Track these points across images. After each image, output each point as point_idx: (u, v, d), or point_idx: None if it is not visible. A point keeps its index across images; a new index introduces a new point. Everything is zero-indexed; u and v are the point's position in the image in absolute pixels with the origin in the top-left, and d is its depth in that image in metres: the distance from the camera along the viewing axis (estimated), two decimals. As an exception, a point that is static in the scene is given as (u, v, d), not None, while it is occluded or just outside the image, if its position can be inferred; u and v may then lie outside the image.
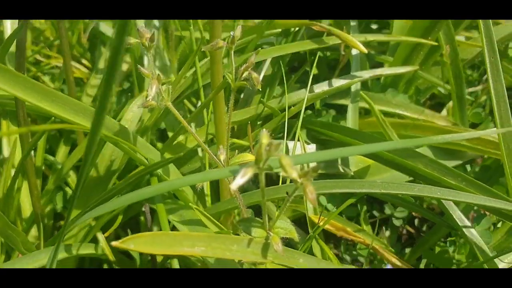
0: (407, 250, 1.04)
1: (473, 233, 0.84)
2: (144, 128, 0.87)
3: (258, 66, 1.02)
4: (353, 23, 1.07)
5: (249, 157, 0.76)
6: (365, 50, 0.86)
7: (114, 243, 0.52)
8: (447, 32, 1.05)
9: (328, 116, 1.07)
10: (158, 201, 0.67)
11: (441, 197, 0.71)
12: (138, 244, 0.52)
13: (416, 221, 1.11)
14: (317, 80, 1.19)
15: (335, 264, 0.73)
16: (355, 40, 0.87)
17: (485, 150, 0.93)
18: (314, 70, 1.23)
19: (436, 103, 1.33)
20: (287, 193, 0.59)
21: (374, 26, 1.34)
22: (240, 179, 0.51)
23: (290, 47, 0.91)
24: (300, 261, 0.69)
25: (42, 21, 1.25)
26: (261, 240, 0.64)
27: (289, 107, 0.91)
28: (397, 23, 1.18)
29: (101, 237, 0.94)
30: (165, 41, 1.12)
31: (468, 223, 0.85)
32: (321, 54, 1.22)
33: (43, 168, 1.05)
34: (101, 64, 1.11)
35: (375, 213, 1.08)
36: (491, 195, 0.75)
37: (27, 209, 1.00)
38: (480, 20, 0.82)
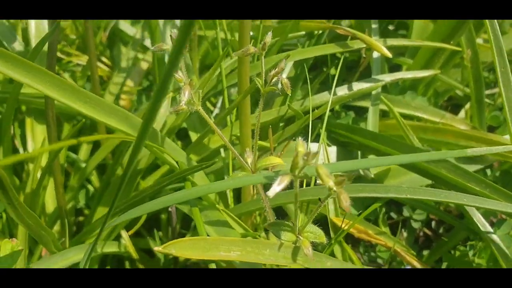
0: (425, 252, 1.05)
1: (494, 238, 0.85)
2: (170, 130, 0.88)
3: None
4: (374, 25, 1.07)
5: (275, 160, 0.77)
6: (389, 55, 0.87)
7: (156, 248, 0.53)
8: (469, 36, 1.05)
9: (348, 118, 1.08)
10: (193, 205, 0.68)
11: (467, 204, 0.72)
12: (179, 249, 0.54)
13: (433, 223, 1.12)
14: (338, 81, 1.20)
15: (358, 267, 0.74)
16: (379, 44, 0.87)
17: (505, 155, 0.94)
18: (333, 71, 1.24)
19: (453, 105, 1.33)
20: (319, 199, 0.60)
21: (391, 27, 1.34)
22: (277, 187, 0.52)
23: (314, 50, 0.92)
24: (328, 264, 0.71)
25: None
26: (290, 244, 0.66)
27: (313, 110, 0.92)
28: (416, 24, 1.18)
29: (125, 235, 0.96)
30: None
31: (489, 227, 0.86)
32: (340, 55, 1.23)
33: (65, 165, 1.06)
34: (123, 63, 1.12)
35: (393, 214, 1.09)
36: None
37: (50, 205, 1.01)
38: (490, 30, 0.82)
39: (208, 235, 0.80)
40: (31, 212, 0.69)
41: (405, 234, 1.08)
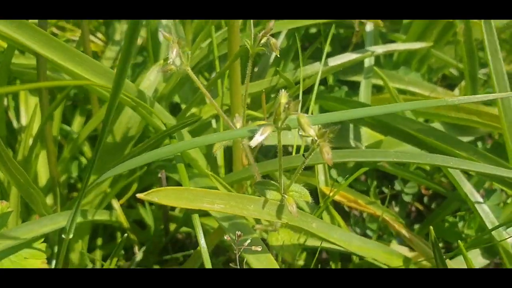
0: (416, 226, 1.05)
1: (484, 208, 0.85)
2: (160, 96, 0.88)
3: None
4: None
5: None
6: (381, 24, 0.87)
7: (139, 195, 0.54)
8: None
9: (341, 91, 1.08)
10: (178, 161, 0.68)
11: (453, 166, 0.72)
12: (162, 197, 0.54)
13: (425, 198, 1.12)
14: (331, 56, 1.20)
15: (345, 230, 0.74)
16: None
17: (494, 126, 0.94)
18: (328, 48, 1.24)
19: (448, 84, 1.33)
20: (303, 155, 0.60)
21: None
22: (260, 137, 0.52)
23: (304, 20, 0.92)
24: (313, 225, 0.71)
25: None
26: (276, 202, 0.66)
27: (303, 80, 0.92)
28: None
29: (116, 203, 0.97)
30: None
31: (479, 198, 0.86)
32: (335, 32, 1.23)
33: (59, 138, 1.07)
34: (117, 37, 1.12)
35: (385, 189, 1.09)
36: (501, 167, 0.76)
37: (43, 177, 1.02)
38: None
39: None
40: (21, 170, 0.70)
41: (397, 209, 1.08)
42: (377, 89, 1.15)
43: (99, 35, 1.27)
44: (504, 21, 1.18)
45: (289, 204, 0.63)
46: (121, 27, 1.14)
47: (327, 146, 0.56)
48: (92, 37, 1.24)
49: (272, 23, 0.69)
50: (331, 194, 0.87)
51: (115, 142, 0.90)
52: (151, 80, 0.88)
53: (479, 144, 1.00)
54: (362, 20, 0.99)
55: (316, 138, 0.53)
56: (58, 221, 0.80)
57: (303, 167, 0.62)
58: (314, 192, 0.96)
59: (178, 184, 0.89)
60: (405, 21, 1.18)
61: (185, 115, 0.91)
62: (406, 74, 1.12)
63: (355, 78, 1.10)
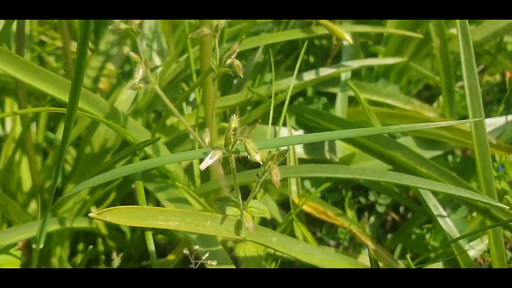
0: (389, 236, 1.08)
1: (447, 221, 0.88)
2: (136, 110, 0.91)
3: (251, 53, 1.06)
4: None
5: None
6: (351, 41, 0.89)
7: (91, 214, 0.57)
8: (437, 24, 1.06)
9: (319, 103, 1.10)
10: (138, 178, 0.71)
11: (410, 184, 0.74)
12: (114, 216, 0.57)
13: (401, 208, 1.15)
14: (313, 67, 1.22)
15: (307, 244, 0.77)
16: (341, 31, 0.90)
17: (465, 142, 0.96)
18: (311, 58, 1.26)
19: (430, 95, 1.35)
20: (257, 175, 0.63)
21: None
22: (209, 160, 0.55)
23: (279, 35, 0.95)
24: (273, 239, 0.74)
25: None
26: (235, 218, 0.69)
27: (277, 94, 0.95)
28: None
29: (95, 211, 1.00)
30: (163, 25, 1.15)
31: (443, 212, 0.88)
32: (318, 43, 1.25)
33: (44, 145, 1.10)
34: (102, 47, 1.15)
35: (362, 199, 1.12)
36: (460, 185, 0.79)
37: (27, 183, 1.05)
38: (458, 22, 0.84)
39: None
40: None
41: (372, 219, 1.10)
42: (356, 100, 1.18)
43: (89, 44, 1.30)
44: (485, 33, 1.20)
45: (245, 220, 0.66)
46: (107, 37, 1.17)
47: (276, 169, 0.59)
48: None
49: (236, 45, 0.72)
50: (301, 205, 0.90)
51: (93, 153, 0.93)
52: (128, 93, 0.91)
53: (450, 157, 1.02)
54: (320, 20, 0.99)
55: (261, 162, 0.55)
56: (33, 229, 0.83)
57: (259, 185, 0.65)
58: (288, 202, 0.99)
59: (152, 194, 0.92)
60: (373, 32, 1.20)
61: (163, 126, 0.94)
62: (385, 86, 1.14)
63: (334, 90, 1.13)
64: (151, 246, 0.64)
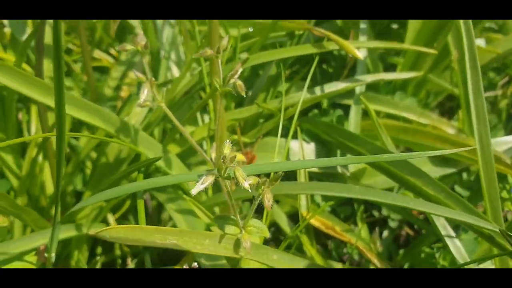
0: (401, 252, 1.07)
1: (456, 242, 0.87)
2: (148, 124, 0.94)
3: (263, 66, 1.07)
4: (363, 25, 1.08)
5: (238, 156, 0.82)
6: (360, 57, 0.89)
7: (91, 232, 0.60)
8: (456, 36, 1.04)
9: (332, 116, 1.10)
10: (139, 197, 0.74)
11: (412, 207, 0.74)
12: (113, 235, 0.60)
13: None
14: (331, 76, 1.22)
15: (309, 261, 0.78)
16: (351, 46, 0.89)
17: (475, 159, 0.94)
18: (330, 68, 1.26)
19: (451, 107, 1.32)
20: (253, 197, 0.64)
21: (395, 26, 1.34)
22: (200, 186, 0.57)
23: (290, 50, 0.95)
24: (274, 257, 0.75)
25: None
26: (234, 237, 0.70)
27: (288, 108, 0.96)
28: (411, 24, 1.18)
29: (111, 217, 1.04)
30: (181, 35, 1.18)
31: (452, 232, 0.87)
32: (336, 52, 1.25)
33: (68, 151, 1.15)
34: (123, 57, 1.19)
35: (375, 213, 1.11)
36: (465, 209, 0.77)
37: (51, 187, 1.10)
38: (465, 43, 0.83)
39: (175, 224, 0.86)
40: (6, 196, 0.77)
41: (385, 233, 1.10)
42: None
43: (113, 51, 1.35)
44: (509, 45, 1.17)
45: (243, 240, 0.68)
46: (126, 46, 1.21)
47: (269, 194, 0.60)
48: (105, 54, 1.31)
49: (239, 65, 0.73)
50: (310, 220, 0.91)
51: (108, 162, 0.96)
52: (138, 109, 0.95)
53: (464, 175, 1.00)
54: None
55: (249, 190, 0.57)
56: (48, 236, 0.87)
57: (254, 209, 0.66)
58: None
59: (161, 205, 0.95)
60: (382, 48, 1.18)
61: (175, 137, 0.97)
62: (402, 99, 1.13)
63: (349, 101, 1.12)
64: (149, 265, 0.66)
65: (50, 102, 0.77)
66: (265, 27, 0.97)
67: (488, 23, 1.28)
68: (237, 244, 0.70)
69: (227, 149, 0.58)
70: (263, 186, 0.61)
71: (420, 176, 0.85)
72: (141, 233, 0.62)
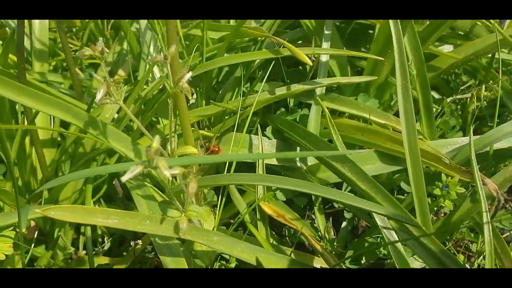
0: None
1: (392, 233, 0.94)
2: (119, 119, 1.05)
3: (233, 69, 1.16)
4: (326, 31, 1.16)
5: (190, 149, 0.92)
6: (310, 63, 0.97)
7: (36, 210, 0.70)
8: (413, 42, 1.11)
9: (297, 114, 1.19)
10: (90, 182, 0.84)
11: (339, 200, 0.82)
12: (57, 213, 0.70)
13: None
14: (299, 79, 1.30)
15: (248, 244, 0.86)
16: (302, 53, 0.97)
17: (424, 161, 1.01)
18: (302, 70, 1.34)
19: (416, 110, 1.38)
20: (185, 185, 0.74)
21: (371, 31, 1.41)
22: (130, 174, 0.67)
23: (249, 55, 1.04)
24: (214, 239, 0.84)
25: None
26: (174, 219, 0.81)
27: (247, 107, 1.05)
28: (379, 30, 1.25)
29: (88, 200, 1.15)
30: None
31: (388, 224, 0.95)
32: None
33: (59, 139, 1.27)
34: (109, 58, 1.30)
35: (336, 205, 1.20)
36: (392, 205, 0.85)
37: (40, 172, 1.23)
38: (395, 44, 0.90)
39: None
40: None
41: (344, 224, 1.18)
42: (339, 113, 1.24)
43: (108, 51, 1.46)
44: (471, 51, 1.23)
45: (181, 221, 0.78)
46: (114, 46, 1.32)
47: (193, 183, 0.70)
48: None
49: (186, 71, 0.83)
50: (267, 210, 1.01)
51: (85, 152, 1.08)
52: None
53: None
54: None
55: (170, 177, 0.66)
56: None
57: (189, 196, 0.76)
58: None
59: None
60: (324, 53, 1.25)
61: (138, 133, 1.07)
62: (365, 100, 1.21)
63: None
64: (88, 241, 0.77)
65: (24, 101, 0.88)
66: (230, 34, 1.06)
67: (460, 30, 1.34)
68: (177, 226, 0.80)
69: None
70: (190, 176, 0.71)
71: (357, 173, 0.93)
72: (84, 212, 0.73)
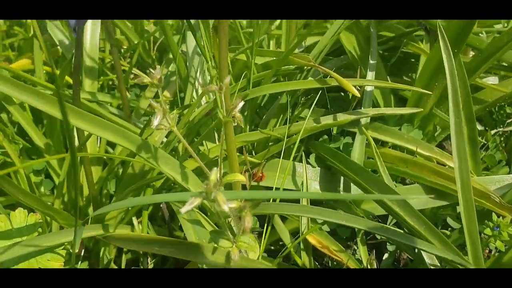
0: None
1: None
2: (167, 142, 1.07)
3: (276, 94, 1.18)
4: (372, 61, 1.17)
5: (238, 177, 0.94)
6: (358, 94, 0.97)
7: (98, 236, 0.72)
8: (460, 73, 1.10)
9: (340, 143, 1.19)
10: (145, 209, 0.86)
11: (388, 236, 0.82)
12: (117, 241, 0.72)
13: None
14: (343, 107, 1.30)
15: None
16: (350, 84, 0.98)
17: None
18: (345, 97, 1.35)
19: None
20: (239, 218, 0.75)
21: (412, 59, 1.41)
22: (188, 206, 0.68)
23: (297, 84, 1.06)
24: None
25: (118, 31, 1.50)
26: (226, 249, 0.82)
27: (293, 135, 1.06)
28: (422, 59, 1.25)
29: (134, 220, 1.18)
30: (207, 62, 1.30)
31: (436, 261, 0.94)
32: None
33: (105, 158, 1.30)
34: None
35: (378, 235, 1.19)
36: (441, 243, 0.85)
37: (87, 190, 1.26)
38: (448, 83, 0.90)
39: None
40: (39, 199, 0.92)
41: (386, 256, 1.17)
42: (382, 142, 1.24)
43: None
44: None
45: (232, 253, 0.79)
46: (161, 69, 1.35)
47: (248, 217, 0.71)
48: (143, 74, 1.46)
49: (239, 101, 0.84)
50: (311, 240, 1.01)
51: (134, 173, 1.10)
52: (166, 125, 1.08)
53: (458, 208, 1.06)
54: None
55: (229, 212, 0.67)
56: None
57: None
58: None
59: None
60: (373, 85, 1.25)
61: (185, 157, 1.09)
62: (408, 131, 1.20)
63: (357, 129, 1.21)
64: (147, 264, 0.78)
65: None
66: (277, 62, 1.08)
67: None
68: (228, 256, 0.81)
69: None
70: (246, 210, 0.72)
71: (405, 207, 0.92)
72: (141, 242, 0.75)
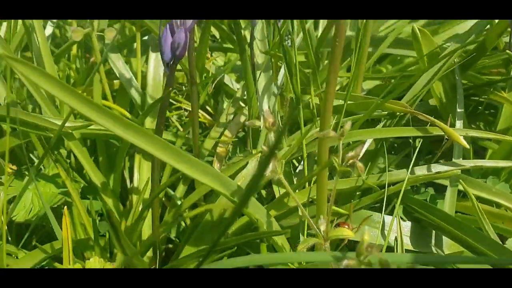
0: None
1: None
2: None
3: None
4: (459, 109, 1.12)
5: (347, 232, 0.86)
6: (467, 146, 0.92)
7: None
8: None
9: (426, 194, 1.12)
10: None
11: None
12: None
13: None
14: (419, 154, 1.24)
15: None
16: (458, 135, 0.93)
17: None
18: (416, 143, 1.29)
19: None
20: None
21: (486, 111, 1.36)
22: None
23: (394, 131, 1.00)
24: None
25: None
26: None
27: (389, 185, 0.99)
28: (505, 109, 1.20)
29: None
30: (280, 102, 1.25)
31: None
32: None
33: (163, 199, 1.22)
34: (223, 119, 1.27)
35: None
36: None
37: (146, 234, 1.16)
38: None
39: None
40: (129, 243, 0.83)
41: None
42: (463, 194, 1.17)
43: (208, 108, 1.43)
44: None
45: None
46: (227, 108, 1.29)
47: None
48: (201, 110, 1.40)
49: (360, 148, 0.78)
50: None
51: (212, 220, 1.02)
52: (249, 169, 1.00)
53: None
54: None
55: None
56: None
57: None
58: None
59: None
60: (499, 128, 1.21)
61: (277, 205, 1.01)
62: (494, 184, 1.14)
63: (441, 181, 1.14)
64: None
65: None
66: (372, 108, 1.02)
67: None
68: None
69: (367, 236, 0.61)
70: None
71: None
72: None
